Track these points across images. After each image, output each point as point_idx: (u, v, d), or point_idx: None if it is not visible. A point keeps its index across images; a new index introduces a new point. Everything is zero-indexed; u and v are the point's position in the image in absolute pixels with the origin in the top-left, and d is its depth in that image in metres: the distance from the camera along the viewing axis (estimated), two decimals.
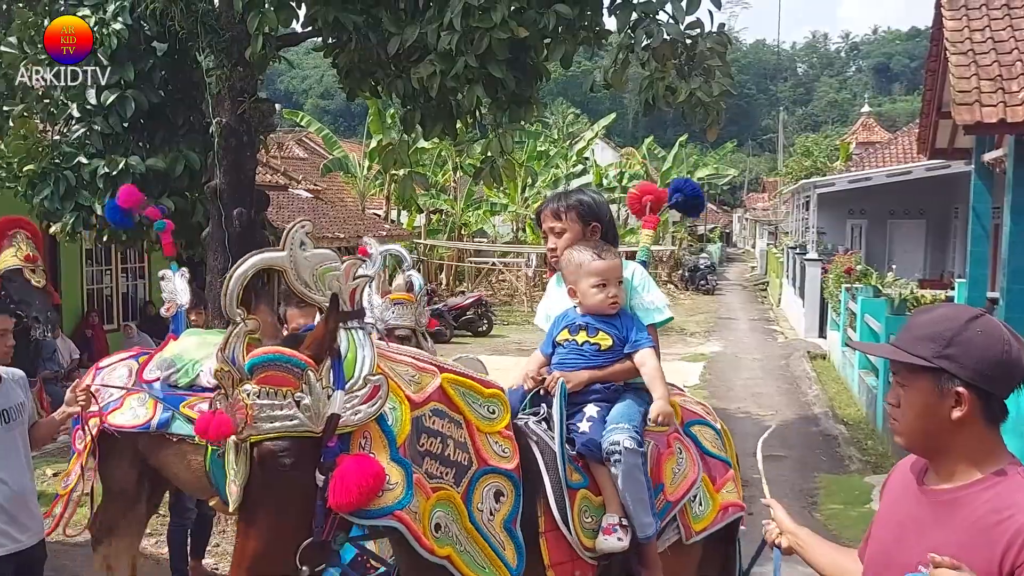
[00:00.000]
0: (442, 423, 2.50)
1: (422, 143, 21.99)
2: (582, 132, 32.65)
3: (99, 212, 7.17)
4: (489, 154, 6.60)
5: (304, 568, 2.19)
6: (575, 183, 29.92)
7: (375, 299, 4.38)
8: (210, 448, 3.92)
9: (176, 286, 5.35)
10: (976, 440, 1.75)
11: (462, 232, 26.96)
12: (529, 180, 25.61)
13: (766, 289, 30.14)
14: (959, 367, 1.71)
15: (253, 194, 7.71)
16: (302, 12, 6.94)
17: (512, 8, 5.81)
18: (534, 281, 27.16)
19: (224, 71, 7.10)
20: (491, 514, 2.53)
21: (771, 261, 30.91)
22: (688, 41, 6.52)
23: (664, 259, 30.52)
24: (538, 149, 26.72)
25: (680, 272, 30.62)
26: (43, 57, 7.04)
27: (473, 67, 5.90)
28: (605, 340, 2.96)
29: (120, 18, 6.91)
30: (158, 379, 4.67)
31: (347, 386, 2.23)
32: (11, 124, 7.48)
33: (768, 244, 37.83)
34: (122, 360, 4.96)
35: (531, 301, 22.85)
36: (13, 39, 7.28)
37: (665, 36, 6.32)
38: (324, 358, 2.25)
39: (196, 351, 4.75)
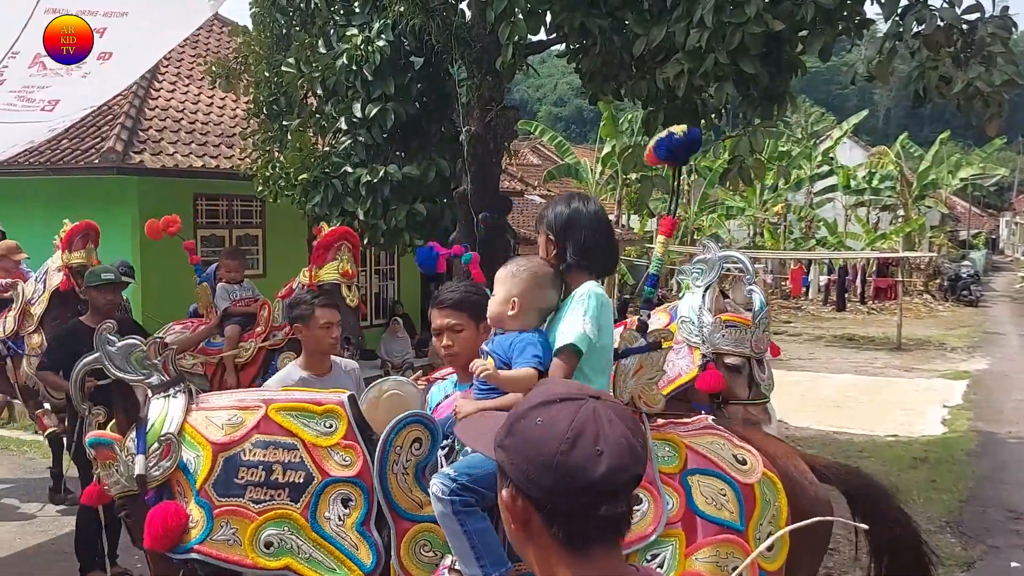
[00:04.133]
0: (265, 452, 2.83)
1: None
2: (827, 131, 30.83)
3: (361, 217, 7.73)
4: (737, 154, 6.35)
5: None
6: (820, 185, 28.33)
7: (706, 316, 4.06)
8: None
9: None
10: (549, 566, 1.28)
11: (695, 237, 26.37)
12: (769, 182, 24.57)
13: None
14: (509, 464, 1.26)
15: (498, 199, 7.99)
16: (548, 19, 7.07)
17: (767, 1, 5.56)
18: (772, 288, 26.03)
19: (474, 81, 7.41)
20: (340, 520, 2.78)
21: None
22: (965, 27, 5.92)
23: (922, 267, 28.05)
24: (779, 149, 25.53)
25: (939, 281, 27.96)
26: (317, 76, 7.72)
27: (723, 64, 5.70)
28: (489, 365, 2.79)
29: (383, 36, 7.43)
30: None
31: (147, 450, 2.83)
32: (289, 138, 8.25)
33: None
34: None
35: (768, 309, 21.83)
36: (291, 60, 8.04)
37: (939, 22, 5.78)
38: (130, 430, 2.89)
39: None
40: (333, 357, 3.98)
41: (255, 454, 2.83)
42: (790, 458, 3.17)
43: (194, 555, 2.76)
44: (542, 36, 7.43)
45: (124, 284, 5.71)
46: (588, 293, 2.82)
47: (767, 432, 3.67)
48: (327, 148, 8.22)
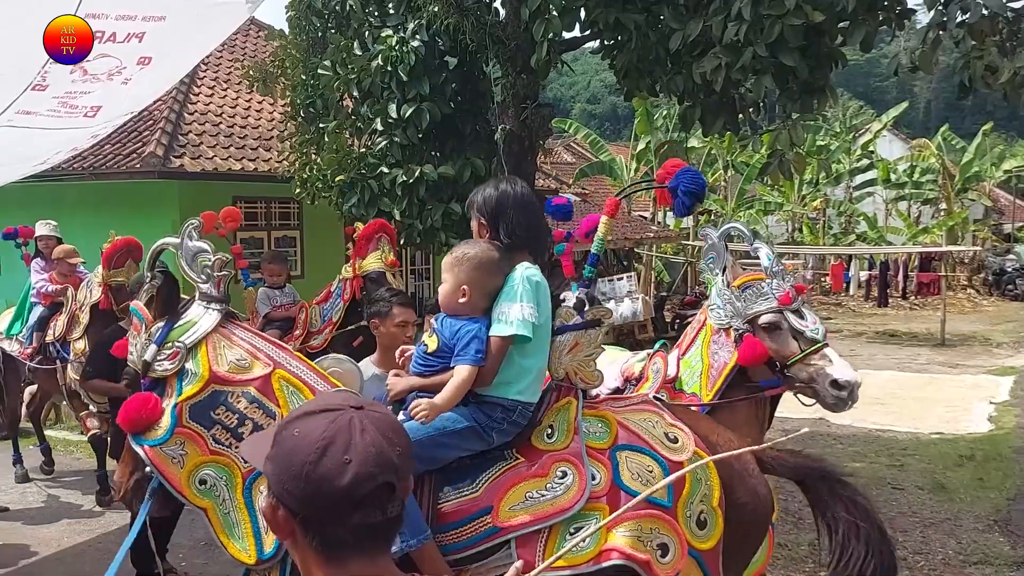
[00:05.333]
0: (249, 406, 2.94)
1: (692, 142, 21.61)
2: (867, 124, 30.33)
3: (397, 217, 7.76)
4: (777, 148, 6.26)
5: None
6: (859, 179, 27.87)
7: (725, 293, 3.94)
8: None
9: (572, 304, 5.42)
10: (309, 574, 1.32)
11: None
12: (808, 176, 24.24)
13: None
14: (270, 475, 1.31)
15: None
16: (582, 16, 7.02)
17: None
18: (811, 284, 25.66)
19: (509, 79, 7.39)
20: None
21: None
22: (1011, 15, 5.79)
23: (965, 261, 27.48)
24: (818, 143, 25.16)
25: (983, 276, 27.38)
26: (352, 77, 7.75)
27: (762, 57, 5.62)
28: (432, 342, 2.92)
29: (418, 36, 7.44)
30: None
31: (161, 344, 3.00)
32: (326, 139, 8.30)
33: None
34: None
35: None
36: (327, 62, 8.09)
37: (983, 11, 5.65)
38: (161, 319, 3.05)
39: None
40: None
41: (240, 402, 2.96)
42: (731, 446, 3.11)
43: (140, 451, 2.96)
44: (576, 33, 7.39)
45: None
46: (522, 276, 2.88)
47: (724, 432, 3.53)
48: (363, 149, 8.24)
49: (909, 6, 6.34)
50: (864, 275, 26.17)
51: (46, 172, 8.00)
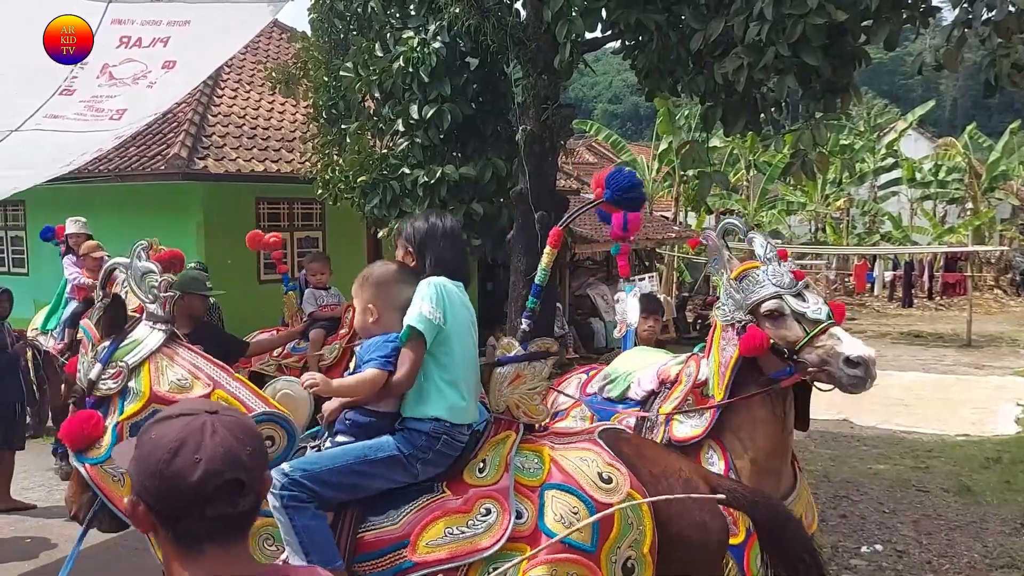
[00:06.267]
0: None
1: (714, 142, 21.51)
2: (891, 123, 30.01)
3: None
4: (800, 147, 6.21)
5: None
6: (884, 178, 27.61)
7: (727, 287, 3.80)
8: None
9: (627, 306, 5.34)
10: (169, 564, 1.43)
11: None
12: (832, 176, 24.03)
13: None
14: (132, 473, 1.43)
15: (554, 198, 7.96)
16: (603, 16, 7.00)
17: None
18: (835, 284, 25.48)
19: (530, 80, 7.39)
20: None
21: None
22: None
23: (992, 261, 27.13)
24: (841, 142, 24.95)
25: (1010, 276, 27.04)
26: (374, 79, 7.79)
27: (784, 56, 5.58)
28: (354, 362, 3.03)
29: (439, 37, 7.46)
30: (595, 392, 4.52)
31: (106, 363, 3.04)
32: (348, 141, 8.35)
33: None
34: (575, 372, 4.96)
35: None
36: (349, 64, 8.13)
37: (1010, 8, 5.57)
38: (108, 338, 3.10)
39: (630, 364, 4.57)
40: None
41: None
42: (680, 476, 2.97)
43: (82, 470, 2.99)
44: (597, 33, 7.37)
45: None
46: (428, 283, 2.94)
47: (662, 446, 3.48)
48: (385, 150, 8.27)
49: (934, 4, 6.27)
50: (888, 275, 25.94)
51: (73, 174, 8.12)
